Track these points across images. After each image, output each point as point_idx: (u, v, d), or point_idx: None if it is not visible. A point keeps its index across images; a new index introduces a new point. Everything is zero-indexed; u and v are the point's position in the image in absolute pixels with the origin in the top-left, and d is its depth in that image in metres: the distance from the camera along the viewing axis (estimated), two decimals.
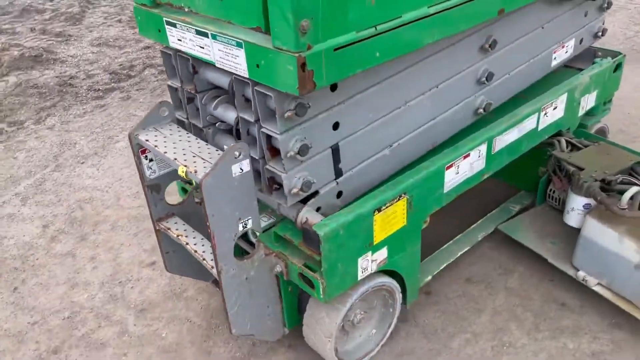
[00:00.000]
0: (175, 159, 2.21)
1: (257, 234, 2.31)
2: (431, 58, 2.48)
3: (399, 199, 2.38)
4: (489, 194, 3.65)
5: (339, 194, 2.40)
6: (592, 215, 2.73)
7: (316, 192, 2.31)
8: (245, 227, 2.24)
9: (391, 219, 2.41)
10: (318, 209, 2.33)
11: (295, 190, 2.17)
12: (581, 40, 3.46)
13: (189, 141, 2.34)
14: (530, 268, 3.16)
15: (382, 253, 2.45)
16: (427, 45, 2.24)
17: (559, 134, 3.27)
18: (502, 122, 2.82)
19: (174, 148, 2.29)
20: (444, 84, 2.63)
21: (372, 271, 2.45)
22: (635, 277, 2.60)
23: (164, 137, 2.38)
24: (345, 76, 1.94)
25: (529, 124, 2.95)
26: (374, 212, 2.30)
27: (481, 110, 2.86)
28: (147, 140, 2.37)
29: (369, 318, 2.72)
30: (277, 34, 1.76)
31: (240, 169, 2.11)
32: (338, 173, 2.35)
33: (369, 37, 1.92)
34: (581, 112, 3.35)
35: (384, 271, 2.56)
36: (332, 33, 1.82)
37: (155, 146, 2.32)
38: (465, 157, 2.65)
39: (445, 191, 2.63)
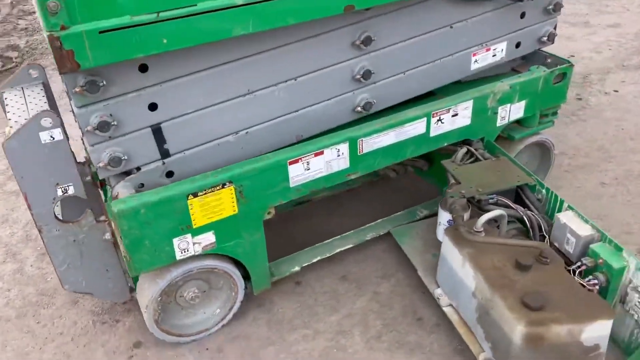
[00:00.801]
0: (10, 119, 2.37)
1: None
2: (281, 50, 2.43)
3: (222, 187, 2.40)
4: (419, 194, 3.52)
5: (170, 174, 2.46)
6: (448, 232, 2.57)
7: (138, 169, 2.39)
8: (67, 192, 2.38)
9: (215, 206, 2.43)
10: (142, 185, 2.42)
11: (101, 164, 2.26)
12: (518, 44, 3.17)
13: (36, 104, 2.49)
14: (410, 276, 3.04)
15: (208, 237, 2.50)
16: (267, 36, 2.22)
17: (467, 142, 3.07)
18: (372, 124, 2.71)
19: (19, 109, 2.45)
20: (305, 77, 2.56)
21: (197, 253, 2.51)
22: (472, 305, 2.45)
23: (22, 97, 2.55)
24: (121, 59, 1.98)
25: (413, 129, 2.80)
26: (188, 196, 2.34)
27: (360, 109, 2.76)
28: (5, 99, 2.55)
29: (215, 297, 2.79)
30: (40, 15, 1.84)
31: (51, 137, 2.23)
32: (164, 153, 2.40)
33: (149, 23, 1.94)
34: (501, 122, 3.10)
35: (220, 255, 2.61)
36: (96, 15, 1.86)
37: (7, 104, 2.49)
38: (317, 155, 2.59)
39: (292, 185, 2.60)
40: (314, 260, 3.05)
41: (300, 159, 2.56)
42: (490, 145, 3.10)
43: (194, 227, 2.43)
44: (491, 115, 3.04)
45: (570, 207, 2.55)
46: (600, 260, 2.28)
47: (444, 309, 2.68)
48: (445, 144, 2.99)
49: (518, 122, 3.28)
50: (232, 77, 2.39)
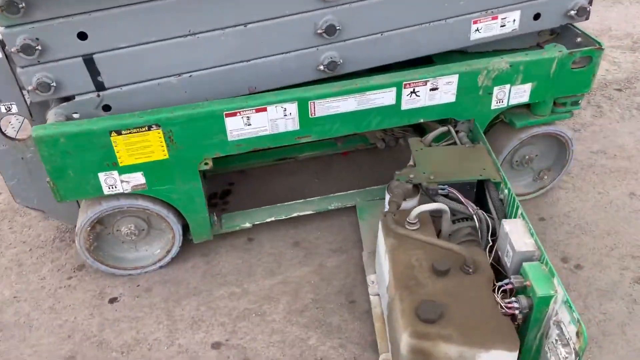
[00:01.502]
0: None
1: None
2: None
3: (149, 129, 2.34)
4: None
5: (107, 108, 2.43)
6: (381, 218, 2.32)
7: (72, 97, 2.38)
8: (9, 110, 2.45)
9: (143, 147, 2.38)
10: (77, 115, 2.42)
11: (30, 88, 2.27)
12: (537, 16, 2.68)
13: None
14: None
15: (137, 178, 2.47)
16: None
17: (449, 122, 2.72)
18: (328, 87, 2.46)
19: None
20: (256, 25, 2.37)
21: (126, 191, 2.50)
22: (385, 299, 2.22)
23: None
24: None
25: (380, 98, 2.52)
26: (111, 133, 2.31)
27: (323, 68, 2.52)
28: None
29: (159, 238, 2.80)
30: None
31: None
32: (99, 86, 2.36)
33: None
34: (497, 105, 2.69)
35: (155, 198, 2.58)
36: None
37: None
38: (259, 111, 2.42)
39: (231, 139, 2.47)
40: (268, 220, 2.93)
41: (239, 112, 2.41)
42: (476, 131, 2.72)
43: (121, 165, 2.41)
44: (484, 95, 2.64)
45: (522, 215, 2.17)
46: (528, 283, 1.94)
47: (371, 297, 2.47)
48: (422, 120, 2.67)
49: (528, 107, 2.84)
50: (169, 15, 2.26)
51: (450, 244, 2.06)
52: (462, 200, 2.31)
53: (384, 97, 2.53)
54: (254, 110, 2.42)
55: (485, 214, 2.29)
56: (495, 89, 2.64)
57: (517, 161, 3.03)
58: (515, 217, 2.24)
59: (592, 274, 2.70)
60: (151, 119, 2.32)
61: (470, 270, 2.04)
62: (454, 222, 2.36)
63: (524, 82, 2.65)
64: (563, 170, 3.11)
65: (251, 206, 3.07)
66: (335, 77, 2.58)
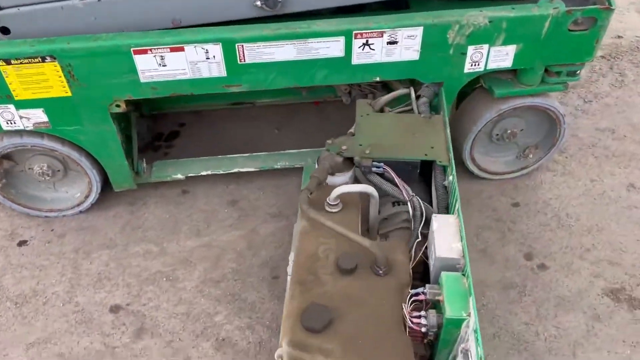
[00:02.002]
0: None
1: None
2: None
3: (42, 61, 2.01)
4: None
5: (5, 30, 2.09)
6: (300, 194, 1.97)
7: None
8: None
9: (39, 81, 2.06)
10: None
11: None
12: None
13: None
14: None
15: (38, 114, 2.17)
16: None
17: (415, 84, 2.28)
18: (259, 28, 2.05)
19: None
20: None
21: (27, 128, 2.21)
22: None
23: None
24: None
25: (325, 48, 2.10)
26: (0, 62, 1.99)
27: (260, 4, 2.10)
28: None
29: (79, 181, 2.53)
30: None
31: None
32: None
33: None
34: (472, 69, 2.23)
35: (64, 139, 2.29)
36: None
37: None
38: (174, 50, 2.05)
39: (144, 81, 2.12)
40: (203, 174, 2.62)
41: (151, 50, 2.04)
42: (449, 95, 2.28)
43: (16, 98, 2.11)
44: (455, 55, 2.18)
45: (458, 212, 1.78)
46: (441, 298, 1.59)
47: (288, 277, 2.18)
48: (379, 79, 2.24)
49: (515, 73, 2.37)
50: None
51: (361, 237, 1.71)
52: (397, 182, 1.93)
53: (330, 48, 2.10)
54: (168, 49, 2.04)
55: (421, 203, 1.91)
56: (470, 49, 2.17)
57: (497, 135, 2.59)
58: (452, 213, 1.86)
59: (556, 277, 2.31)
60: (43, 49, 1.99)
61: (381, 271, 1.70)
62: (394, 204, 2.01)
63: (506, 43, 2.17)
64: (551, 150, 2.66)
65: (198, 154, 2.76)
66: (277, 17, 2.16)
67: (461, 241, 1.70)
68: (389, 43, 2.12)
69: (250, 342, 2.12)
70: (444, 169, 1.97)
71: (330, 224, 1.75)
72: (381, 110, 2.23)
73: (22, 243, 2.49)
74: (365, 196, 1.94)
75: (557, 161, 2.81)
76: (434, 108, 2.30)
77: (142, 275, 2.36)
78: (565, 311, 2.20)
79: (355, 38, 2.09)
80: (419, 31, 2.10)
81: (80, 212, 2.58)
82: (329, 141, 2.02)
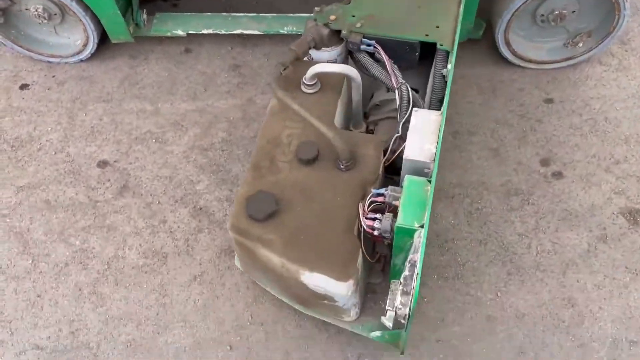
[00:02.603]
0: None
1: None
2: None
3: None
4: None
5: None
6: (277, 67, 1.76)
7: None
8: None
9: None
10: None
11: None
12: None
13: None
14: None
15: None
16: None
17: None
18: None
19: None
20: None
21: None
22: None
23: None
24: None
25: None
26: None
27: None
28: None
29: (76, 26, 2.41)
30: None
31: None
32: None
33: None
34: None
35: None
36: None
37: None
38: None
39: None
40: (204, 32, 2.43)
41: None
42: None
43: None
44: None
45: (443, 112, 1.52)
46: (397, 203, 1.42)
47: None
48: None
49: None
50: None
51: (327, 126, 1.52)
52: (388, 65, 1.67)
53: None
54: None
55: (410, 92, 1.66)
56: None
57: (542, 15, 2.18)
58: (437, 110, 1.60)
59: (570, 188, 2.05)
60: None
61: (342, 166, 1.54)
62: (389, 90, 1.78)
63: None
64: (605, 39, 2.23)
65: (208, 10, 2.55)
66: None
67: (436, 143, 1.48)
68: None
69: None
70: (447, 54, 1.68)
71: (296, 107, 1.57)
72: None
73: (24, 87, 2.48)
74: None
75: (614, 54, 2.38)
76: None
77: (133, 133, 2.31)
78: (569, 226, 1.97)
79: None
80: None
81: (81, 60, 2.51)
82: (317, 8, 1.75)
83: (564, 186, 2.06)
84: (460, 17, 1.70)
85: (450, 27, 1.69)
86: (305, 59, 1.78)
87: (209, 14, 2.46)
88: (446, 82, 1.67)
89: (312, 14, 2.32)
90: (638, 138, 2.15)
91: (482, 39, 2.37)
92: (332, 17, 1.72)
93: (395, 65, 1.69)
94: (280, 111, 1.67)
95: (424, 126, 1.51)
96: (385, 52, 1.70)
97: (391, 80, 1.67)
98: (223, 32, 2.43)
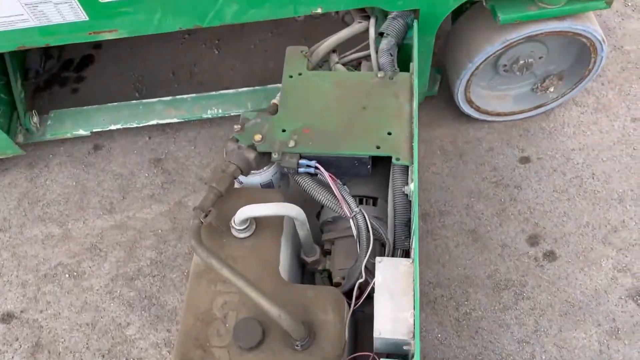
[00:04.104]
0: None
1: None
2: None
3: None
4: None
5: None
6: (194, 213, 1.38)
7: None
8: None
9: None
10: None
11: None
12: None
13: None
14: None
15: None
16: None
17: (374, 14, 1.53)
18: None
19: None
20: None
21: None
22: None
23: None
24: None
25: None
26: None
27: None
28: None
29: None
30: None
31: None
32: None
33: None
34: None
35: None
36: None
37: None
38: None
39: None
40: (112, 128, 2.02)
41: None
42: (428, 28, 1.53)
43: None
44: None
45: (414, 252, 1.18)
46: None
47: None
48: (320, 10, 1.49)
49: None
50: None
51: (267, 301, 1.16)
52: (335, 190, 1.32)
53: None
54: None
55: (368, 222, 1.31)
56: None
57: (505, 65, 1.86)
58: (410, 246, 1.26)
59: (567, 271, 1.75)
60: None
61: (298, 346, 1.18)
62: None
63: None
64: (581, 84, 1.92)
65: (115, 90, 2.16)
66: None
67: (413, 308, 1.13)
68: None
69: None
70: (406, 167, 1.33)
71: (226, 272, 1.20)
72: (321, 66, 1.52)
73: None
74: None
75: (590, 90, 2.08)
76: (404, 53, 1.56)
77: (40, 269, 1.89)
78: (574, 323, 1.67)
79: None
80: None
81: None
82: (236, 126, 1.37)
83: (559, 270, 1.76)
84: (416, 117, 1.34)
85: (405, 131, 1.33)
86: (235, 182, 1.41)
87: (115, 104, 2.04)
88: (410, 201, 1.33)
89: (242, 89, 2.02)
90: (633, 195, 1.86)
91: (438, 93, 2.04)
92: (258, 138, 1.34)
93: (345, 188, 1.33)
94: (206, 271, 1.30)
95: (393, 284, 1.16)
96: (330, 169, 1.34)
97: (342, 208, 1.32)
98: (134, 125, 2.02)
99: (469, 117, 2.01)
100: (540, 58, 1.85)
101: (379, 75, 1.42)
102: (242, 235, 1.32)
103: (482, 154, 1.99)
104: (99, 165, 2.09)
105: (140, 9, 1.43)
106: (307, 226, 1.34)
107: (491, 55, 1.72)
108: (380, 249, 1.38)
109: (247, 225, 1.30)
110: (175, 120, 2.02)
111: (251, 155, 1.35)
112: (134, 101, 2.05)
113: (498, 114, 2.01)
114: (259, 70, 2.25)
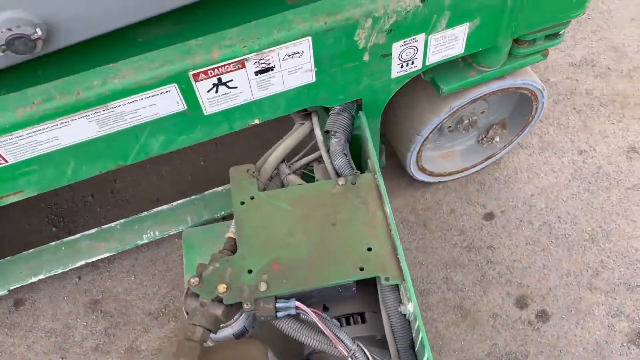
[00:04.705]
0: None
1: None
2: None
3: None
4: None
5: None
6: None
7: None
8: None
9: None
10: None
11: None
12: None
13: None
14: None
15: None
16: None
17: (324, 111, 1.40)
18: (11, 107, 1.09)
19: None
20: None
21: None
22: None
23: None
24: None
25: (148, 108, 1.17)
26: None
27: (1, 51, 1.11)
28: None
29: None
30: None
31: None
32: None
33: None
34: (402, 70, 1.34)
35: None
36: None
37: None
38: None
39: None
40: (33, 280, 1.74)
41: None
42: (373, 112, 1.41)
43: None
44: (375, 60, 1.29)
45: None
46: None
47: None
48: (258, 121, 1.34)
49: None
50: None
51: None
52: (324, 329, 1.14)
53: (158, 104, 1.17)
54: None
55: (369, 356, 1.14)
56: (397, 47, 1.28)
57: (450, 127, 1.78)
58: None
59: (564, 330, 1.66)
60: None
61: None
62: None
63: (453, 24, 1.28)
64: (526, 129, 1.88)
65: (24, 223, 1.89)
66: (41, 62, 1.17)
67: None
68: (259, 72, 1.20)
69: None
70: (396, 284, 1.19)
71: None
72: (270, 180, 1.35)
73: None
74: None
75: (531, 129, 2.05)
76: (354, 143, 1.44)
77: None
78: None
79: (196, 81, 1.15)
80: (305, 45, 1.18)
81: None
82: (193, 280, 1.16)
83: (556, 329, 1.66)
84: (393, 222, 1.21)
85: (386, 244, 1.19)
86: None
87: (32, 250, 1.76)
88: (409, 320, 1.18)
89: (178, 202, 1.81)
90: (602, 231, 1.82)
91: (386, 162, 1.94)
92: (222, 289, 1.14)
93: (335, 323, 1.16)
94: None
95: None
96: (310, 301, 1.17)
97: (337, 348, 1.15)
98: (59, 271, 1.75)
99: (422, 182, 1.92)
100: (482, 113, 1.79)
101: (340, 183, 1.27)
102: None
103: (445, 218, 1.89)
104: (24, 324, 1.79)
105: (48, 165, 1.21)
106: None
107: (438, 124, 1.64)
108: None
109: None
110: (106, 255, 1.77)
111: (218, 310, 1.15)
112: (54, 243, 1.78)
113: (450, 173, 1.92)
114: (188, 173, 2.06)
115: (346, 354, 1.14)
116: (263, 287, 1.15)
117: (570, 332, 1.66)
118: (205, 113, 1.24)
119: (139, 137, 1.24)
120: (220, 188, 1.85)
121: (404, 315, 1.18)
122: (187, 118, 1.24)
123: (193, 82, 1.16)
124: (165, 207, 1.83)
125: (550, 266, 1.77)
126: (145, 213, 1.82)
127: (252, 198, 1.28)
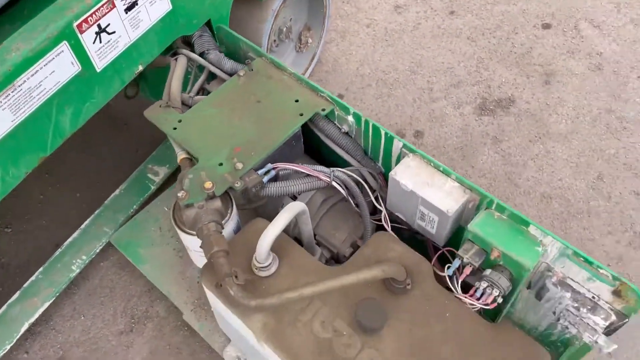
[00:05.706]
0: None
1: None
2: None
3: None
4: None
5: None
6: (211, 288, 1.23)
7: None
8: None
9: None
10: None
11: None
12: None
13: None
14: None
15: None
16: None
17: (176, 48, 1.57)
18: None
19: None
20: None
21: None
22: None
23: None
24: None
25: (50, 76, 1.21)
26: None
27: None
28: None
29: None
30: None
31: None
32: None
33: None
34: None
35: None
36: None
37: None
38: None
39: None
40: None
41: None
42: (226, 35, 1.62)
43: None
44: None
45: (410, 149, 1.31)
46: (497, 253, 1.17)
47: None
48: (141, 67, 1.44)
49: None
50: None
51: (365, 271, 1.13)
52: (305, 169, 1.32)
53: (57, 70, 1.21)
54: None
55: (345, 170, 1.36)
56: None
57: (275, 41, 2.06)
58: (389, 148, 1.36)
59: (436, 138, 2.08)
60: None
61: (409, 284, 1.18)
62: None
63: None
64: (326, 21, 2.26)
65: None
66: None
67: (450, 174, 1.24)
68: (127, 9, 1.31)
69: None
70: (330, 115, 1.41)
71: (308, 290, 1.12)
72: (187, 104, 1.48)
73: None
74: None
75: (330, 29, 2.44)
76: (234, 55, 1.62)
77: None
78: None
79: (81, 32, 1.23)
80: None
81: None
82: (180, 194, 1.24)
83: (430, 139, 2.07)
84: (302, 77, 1.43)
85: (307, 91, 1.41)
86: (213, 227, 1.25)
87: None
88: (354, 138, 1.42)
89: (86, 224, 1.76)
90: (416, 62, 2.29)
91: None
92: (209, 185, 1.23)
93: (308, 165, 1.34)
94: (278, 320, 1.16)
95: (419, 176, 1.24)
96: (281, 160, 1.34)
97: (320, 180, 1.33)
98: (8, 347, 1.57)
99: None
100: (291, 20, 2.10)
101: (241, 75, 1.45)
102: (270, 272, 1.21)
103: None
104: None
105: None
106: (309, 219, 1.31)
107: (269, 33, 1.90)
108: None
109: (270, 260, 1.21)
110: (46, 305, 1.64)
111: (217, 203, 1.25)
112: None
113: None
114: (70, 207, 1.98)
115: (328, 179, 1.34)
116: (239, 166, 1.28)
117: (441, 139, 2.07)
118: (97, 69, 1.31)
119: (49, 115, 1.25)
120: (117, 190, 1.85)
121: (347, 133, 1.42)
122: (84, 80, 1.29)
123: (79, 35, 1.23)
124: (76, 233, 1.76)
125: (401, 104, 2.17)
126: (59, 250, 1.74)
127: (179, 121, 1.38)
